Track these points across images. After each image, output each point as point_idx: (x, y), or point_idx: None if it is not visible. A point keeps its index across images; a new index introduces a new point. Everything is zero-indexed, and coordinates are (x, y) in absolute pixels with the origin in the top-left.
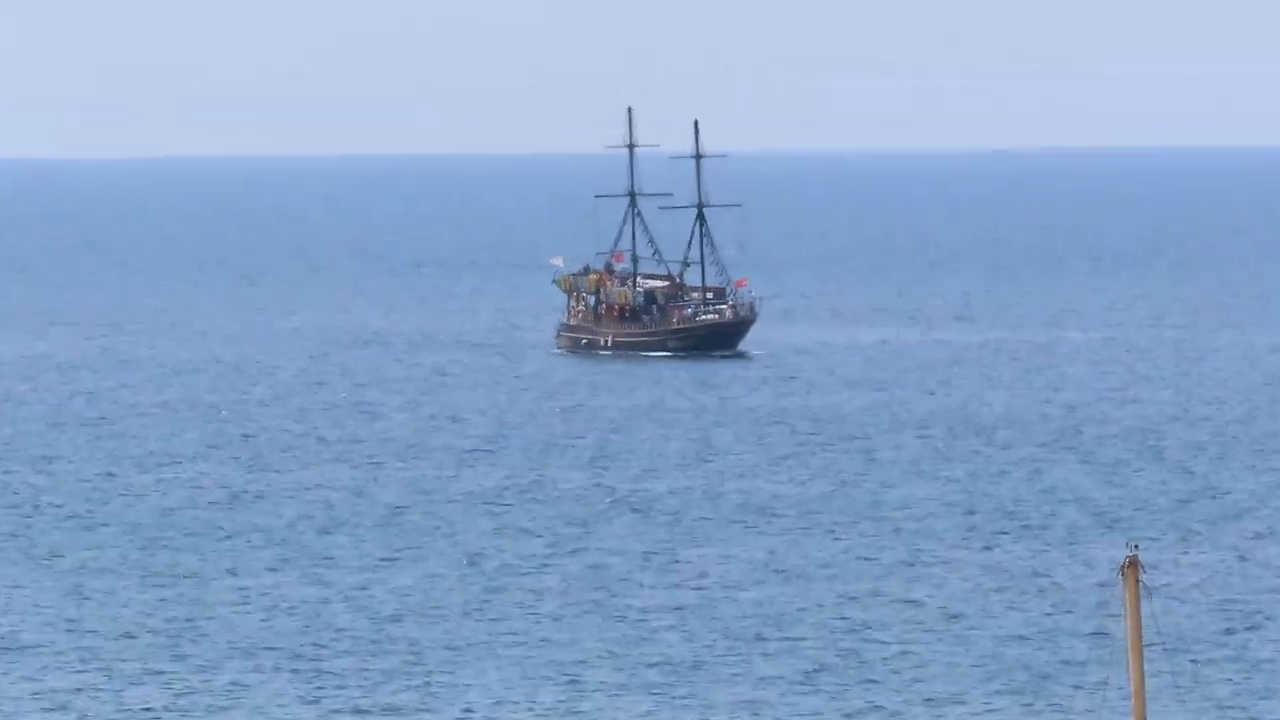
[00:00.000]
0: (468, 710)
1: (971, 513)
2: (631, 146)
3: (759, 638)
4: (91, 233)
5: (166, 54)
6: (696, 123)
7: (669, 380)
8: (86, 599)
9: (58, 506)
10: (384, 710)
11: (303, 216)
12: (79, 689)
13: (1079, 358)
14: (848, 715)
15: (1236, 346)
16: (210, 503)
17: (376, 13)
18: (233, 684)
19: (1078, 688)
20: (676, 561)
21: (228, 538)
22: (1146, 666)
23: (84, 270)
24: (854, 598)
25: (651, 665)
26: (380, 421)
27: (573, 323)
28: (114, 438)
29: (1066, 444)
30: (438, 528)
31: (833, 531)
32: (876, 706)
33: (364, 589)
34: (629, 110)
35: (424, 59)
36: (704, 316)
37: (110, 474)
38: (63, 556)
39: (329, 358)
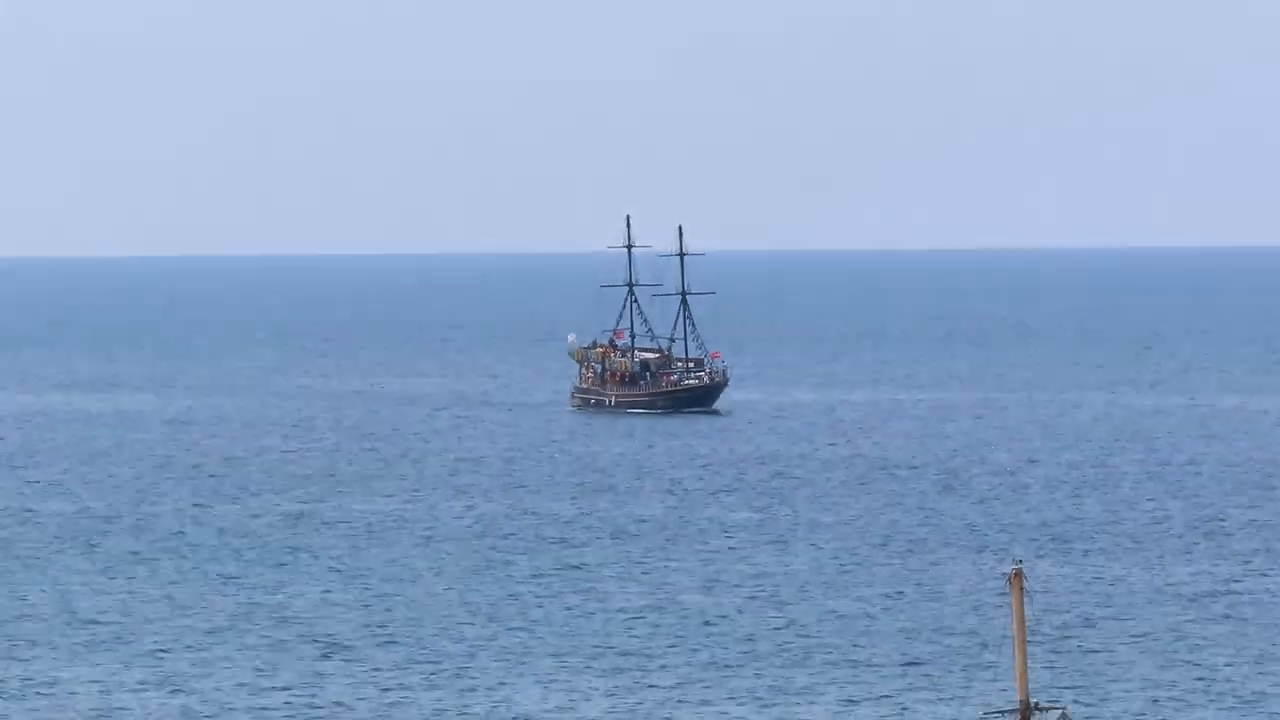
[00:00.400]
0: (474, 684)
1: (882, 533)
2: (629, 247)
3: (706, 632)
4: (184, 319)
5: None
6: (680, 228)
7: (658, 430)
8: (179, 601)
9: (162, 528)
10: (402, 687)
11: (350, 304)
12: (175, 674)
13: (965, 414)
14: (773, 690)
15: (1087, 405)
16: (282, 527)
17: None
18: (300, 665)
19: (972, 668)
20: (645, 572)
21: (296, 552)
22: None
23: (181, 348)
24: (784, 600)
25: (623, 654)
26: (420, 463)
27: (584, 386)
28: (208, 477)
29: (955, 481)
30: (458, 544)
31: (768, 547)
32: (800, 687)
33: (397, 594)
34: (627, 218)
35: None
36: (687, 381)
37: (201, 505)
38: (163, 567)
39: (378, 414)
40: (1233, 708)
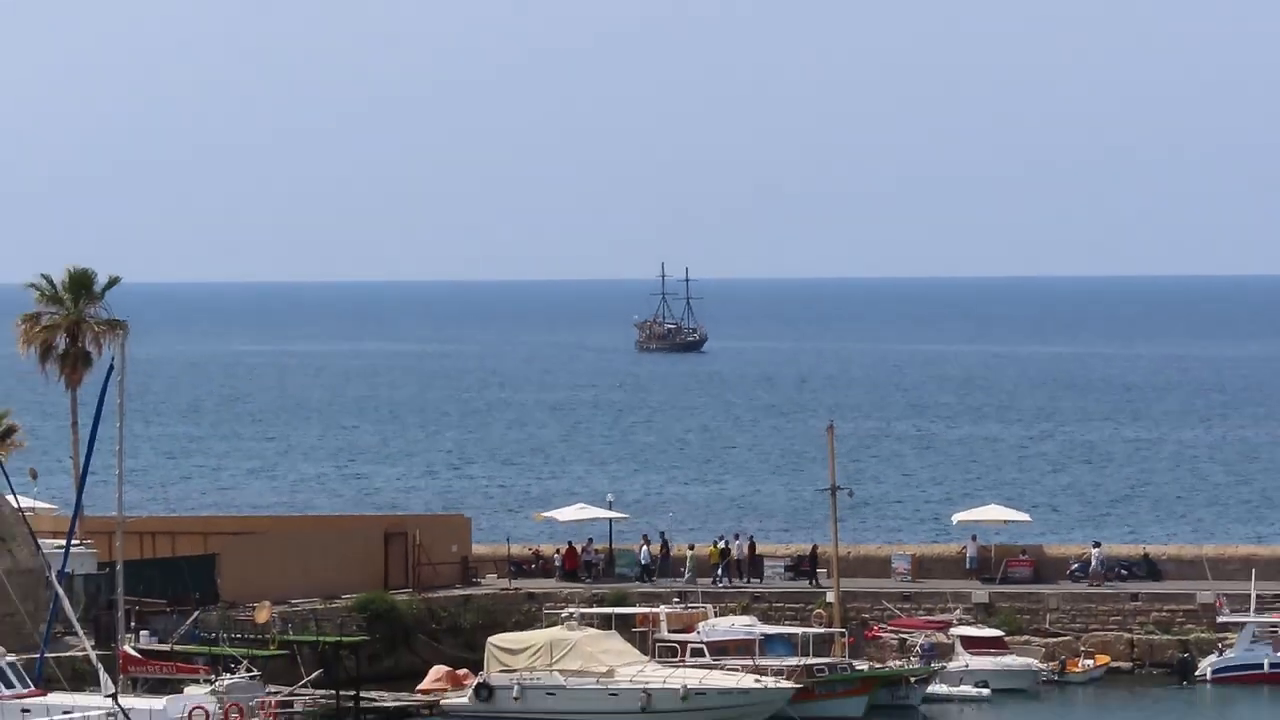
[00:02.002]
0: (555, 474)
1: (772, 405)
2: (663, 276)
3: (666, 454)
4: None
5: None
6: (687, 268)
7: (671, 360)
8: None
9: (455, 411)
10: (506, 474)
11: (499, 308)
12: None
13: (831, 354)
14: (698, 476)
15: (884, 351)
16: (470, 402)
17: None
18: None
19: (810, 467)
20: (648, 420)
21: (483, 411)
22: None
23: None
24: (714, 438)
25: (632, 461)
26: (545, 375)
27: (640, 340)
28: (462, 377)
29: (810, 384)
30: (563, 408)
31: (709, 413)
32: (715, 477)
33: (513, 439)
34: (662, 264)
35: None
36: (689, 338)
37: (453, 393)
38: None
39: (520, 354)
40: (934, 488)
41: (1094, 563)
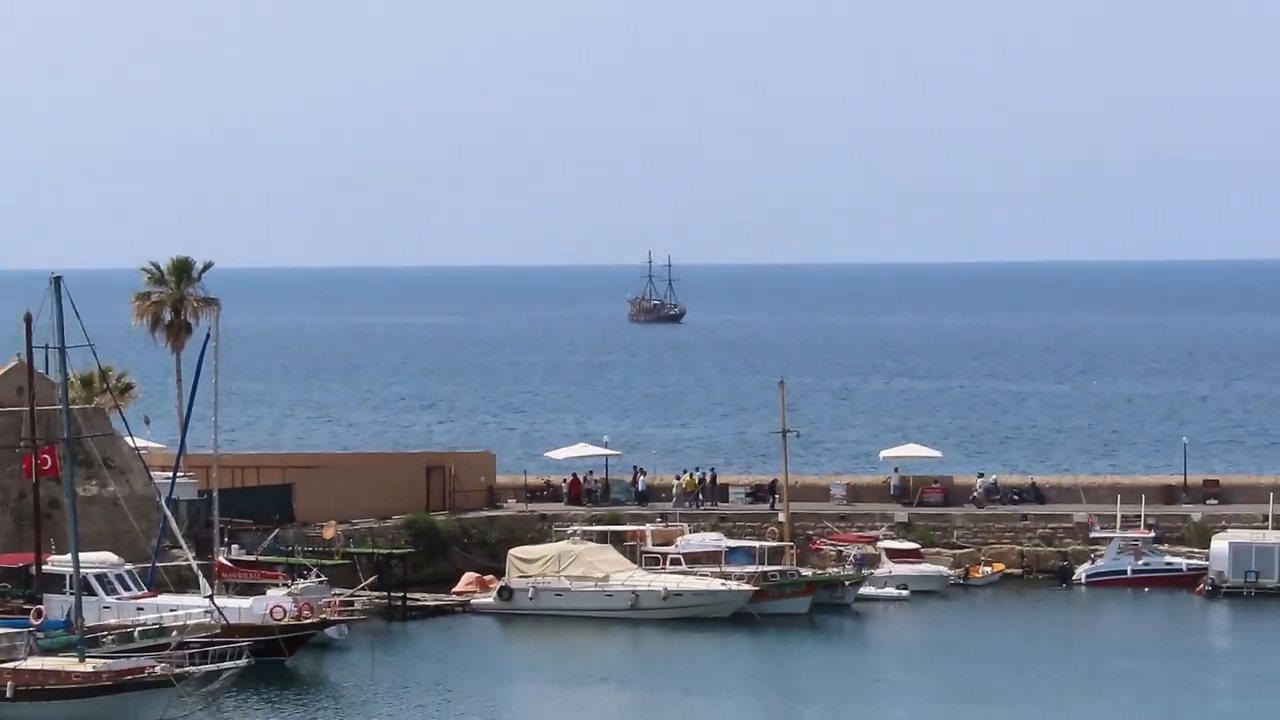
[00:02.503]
0: (562, 419)
1: (728, 364)
2: (650, 262)
3: (643, 398)
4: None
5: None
6: (669, 255)
7: (658, 330)
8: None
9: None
10: (508, 418)
11: (524, 291)
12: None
13: (778, 326)
14: (667, 421)
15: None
16: (492, 368)
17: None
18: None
19: (765, 413)
20: (632, 379)
21: (494, 368)
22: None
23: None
24: (686, 386)
25: (618, 413)
26: (559, 336)
27: (631, 313)
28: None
29: (760, 345)
30: (566, 366)
31: (677, 366)
32: (679, 422)
33: (526, 392)
34: (649, 252)
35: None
36: (671, 312)
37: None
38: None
39: (531, 324)
40: (860, 430)
41: (978, 489)
